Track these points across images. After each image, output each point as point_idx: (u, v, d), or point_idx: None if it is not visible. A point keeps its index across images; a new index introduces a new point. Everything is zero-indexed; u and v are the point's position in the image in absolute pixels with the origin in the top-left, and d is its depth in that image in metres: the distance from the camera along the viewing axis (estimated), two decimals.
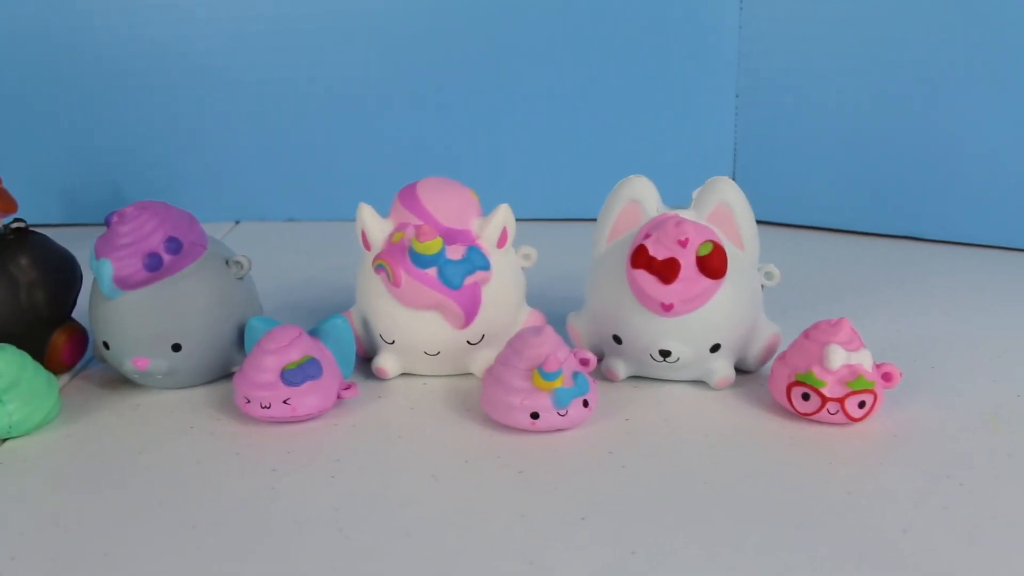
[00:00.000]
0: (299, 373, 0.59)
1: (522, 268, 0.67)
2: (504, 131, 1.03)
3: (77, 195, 1.08)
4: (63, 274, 0.68)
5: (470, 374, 0.67)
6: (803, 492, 0.53)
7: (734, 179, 0.98)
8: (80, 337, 0.69)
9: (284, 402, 0.59)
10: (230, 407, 0.63)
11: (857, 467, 0.55)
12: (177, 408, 0.64)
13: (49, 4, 1.01)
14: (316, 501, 0.52)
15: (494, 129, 1.03)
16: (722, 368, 0.64)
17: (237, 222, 1.07)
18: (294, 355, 0.60)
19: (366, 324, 0.66)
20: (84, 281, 0.70)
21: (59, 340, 0.68)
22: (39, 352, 0.66)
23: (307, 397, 0.59)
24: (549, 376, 0.57)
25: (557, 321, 0.68)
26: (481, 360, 0.65)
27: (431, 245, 0.60)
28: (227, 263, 0.65)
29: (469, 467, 0.55)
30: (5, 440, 0.60)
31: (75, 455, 0.59)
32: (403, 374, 0.67)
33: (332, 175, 1.06)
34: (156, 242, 0.62)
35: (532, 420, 0.57)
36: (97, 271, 0.62)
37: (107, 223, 0.63)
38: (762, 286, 0.65)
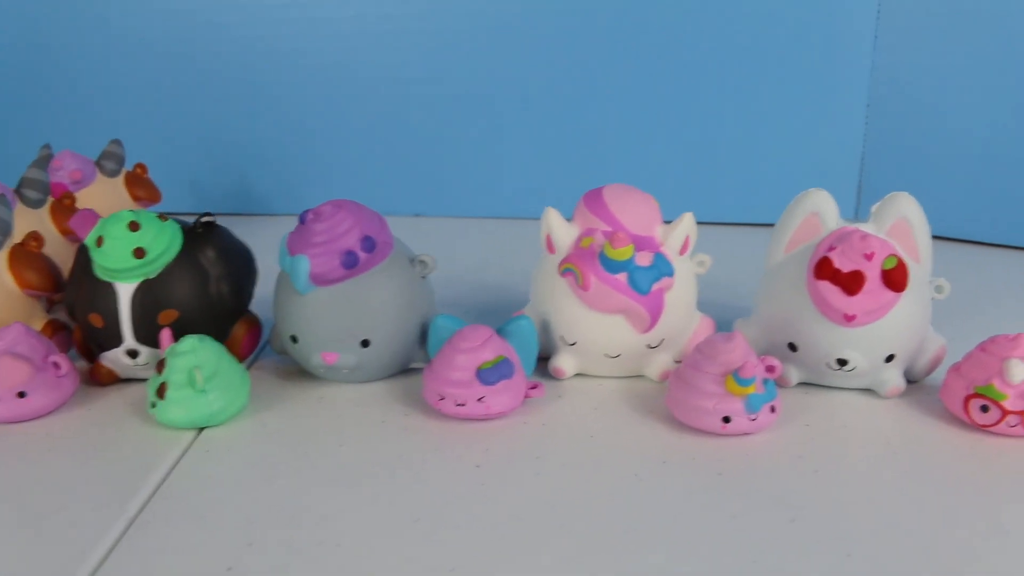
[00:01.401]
0: (494, 372, 0.61)
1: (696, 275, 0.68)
2: (641, 134, 1.05)
3: (205, 186, 1.10)
4: (245, 267, 0.70)
5: (642, 376, 0.68)
6: (993, 500, 0.54)
7: (860, 187, 0.99)
8: (257, 329, 0.71)
9: (479, 400, 0.61)
10: (415, 402, 0.65)
11: None
12: (362, 402, 0.65)
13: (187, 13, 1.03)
14: (528, 497, 0.54)
15: (631, 131, 1.05)
16: (894, 378, 0.65)
17: None
18: (488, 355, 0.61)
19: (544, 325, 0.67)
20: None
21: (239, 331, 0.70)
22: (220, 342, 0.68)
23: (501, 396, 0.61)
24: (744, 382, 0.58)
25: (721, 327, 0.70)
26: (657, 364, 0.67)
27: (624, 251, 0.62)
28: (412, 262, 0.66)
29: (668, 467, 0.57)
30: (203, 429, 0.62)
31: (276, 446, 0.61)
32: (578, 375, 0.68)
33: (458, 172, 1.07)
34: (353, 240, 0.64)
35: (723, 423, 0.59)
36: (292, 267, 0.63)
37: (302, 220, 0.65)
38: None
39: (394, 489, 0.55)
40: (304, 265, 0.63)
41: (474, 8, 1.03)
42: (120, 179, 0.94)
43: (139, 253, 0.64)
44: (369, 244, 0.64)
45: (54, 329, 0.72)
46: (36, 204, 0.81)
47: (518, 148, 1.06)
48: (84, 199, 0.89)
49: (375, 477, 0.56)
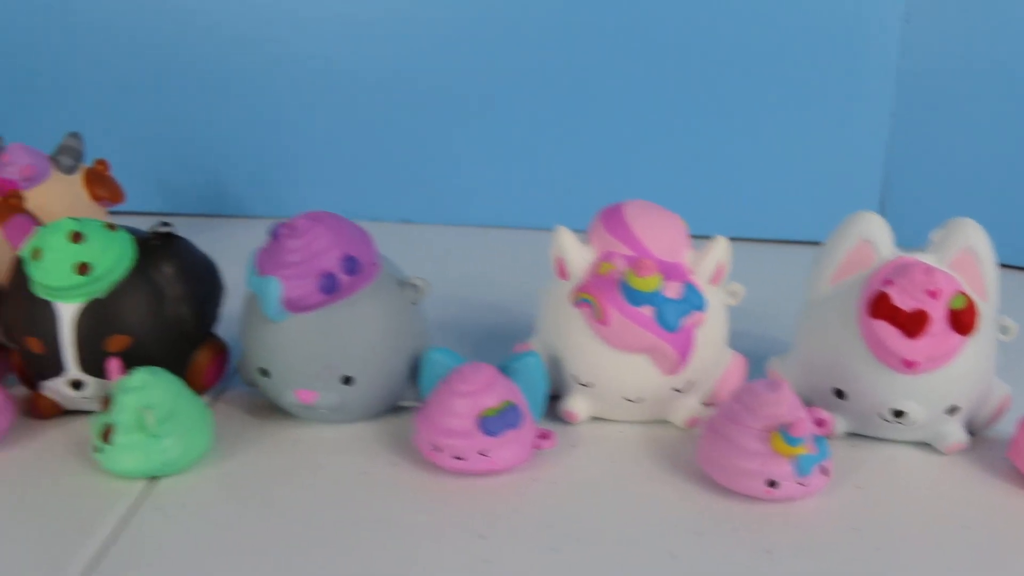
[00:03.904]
0: (499, 421, 0.52)
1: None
2: (651, 140, 0.97)
3: (174, 185, 1.00)
4: (209, 285, 0.61)
5: (666, 422, 0.59)
6: None
7: (882, 203, 0.92)
8: (223, 356, 0.62)
9: (480, 453, 0.52)
10: (405, 448, 0.56)
11: None
12: (343, 447, 0.57)
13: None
14: None
15: (640, 137, 0.97)
16: (955, 432, 0.57)
17: None
18: (491, 400, 0.52)
19: (554, 360, 0.58)
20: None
21: (202, 359, 0.60)
22: (180, 372, 0.59)
23: (506, 448, 0.52)
24: (794, 441, 0.49)
25: (751, 364, 0.62)
26: (684, 409, 0.58)
27: (650, 281, 0.53)
28: (401, 285, 0.57)
29: (706, 541, 0.48)
30: (156, 479, 0.52)
31: (241, 502, 0.52)
32: (592, 418, 0.59)
33: (450, 175, 0.98)
34: (332, 260, 0.55)
35: (768, 488, 0.50)
36: (261, 289, 0.54)
37: (273, 235, 0.56)
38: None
39: (379, 561, 0.46)
40: (276, 288, 0.53)
41: (475, 2, 0.94)
42: (78, 177, 0.84)
43: (83, 269, 0.55)
44: (351, 265, 0.54)
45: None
46: None
47: (518, 150, 0.97)
48: (36, 198, 0.79)
49: (360, 550, 0.47)
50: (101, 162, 0.86)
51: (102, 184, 0.85)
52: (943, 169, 0.92)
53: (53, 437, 0.58)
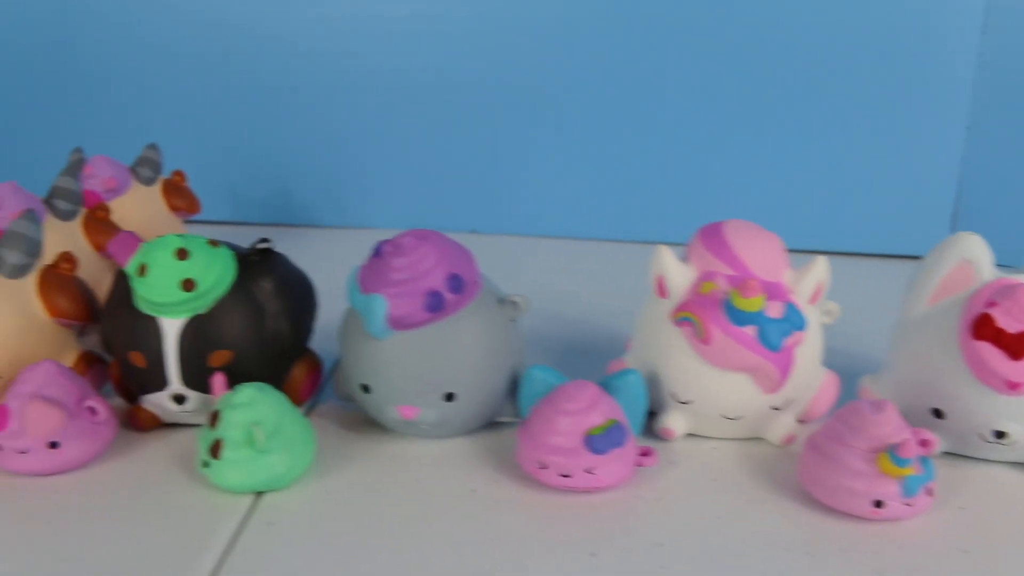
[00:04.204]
0: (605, 440, 0.52)
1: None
2: (727, 153, 0.96)
3: (244, 194, 1.01)
4: (305, 300, 0.62)
5: (759, 438, 0.59)
6: None
7: (955, 217, 0.91)
8: (318, 370, 0.62)
9: (587, 471, 0.52)
10: (506, 465, 0.57)
11: None
12: (444, 463, 0.57)
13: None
14: None
15: (716, 150, 0.96)
16: None
17: None
18: (597, 418, 0.53)
19: (651, 377, 0.58)
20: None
21: (298, 374, 0.61)
22: (277, 387, 0.59)
23: (612, 466, 0.53)
24: (902, 462, 0.49)
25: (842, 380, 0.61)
26: (780, 426, 0.58)
27: (755, 302, 0.53)
28: (501, 303, 0.58)
29: (817, 563, 0.48)
30: (261, 493, 0.53)
31: (348, 518, 0.52)
32: (688, 435, 0.60)
33: (521, 183, 0.98)
34: (438, 279, 0.55)
35: (874, 508, 0.50)
36: (366, 307, 0.55)
37: (377, 253, 0.56)
38: None
39: None
40: (381, 306, 0.54)
41: (546, 8, 0.94)
42: (157, 188, 0.85)
43: (188, 285, 0.56)
44: (456, 283, 0.55)
45: (88, 364, 0.63)
46: (67, 216, 0.73)
47: (592, 159, 0.97)
48: (117, 209, 0.80)
49: (467, 562, 0.48)
50: (178, 173, 0.87)
51: (179, 195, 0.86)
52: (1018, 183, 0.91)
53: (156, 450, 0.59)
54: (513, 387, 0.59)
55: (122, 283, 0.59)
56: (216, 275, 0.57)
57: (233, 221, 1.00)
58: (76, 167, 0.74)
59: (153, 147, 0.86)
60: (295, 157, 1.02)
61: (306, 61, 0.98)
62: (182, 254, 0.56)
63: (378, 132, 1.00)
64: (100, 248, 0.74)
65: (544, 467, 0.53)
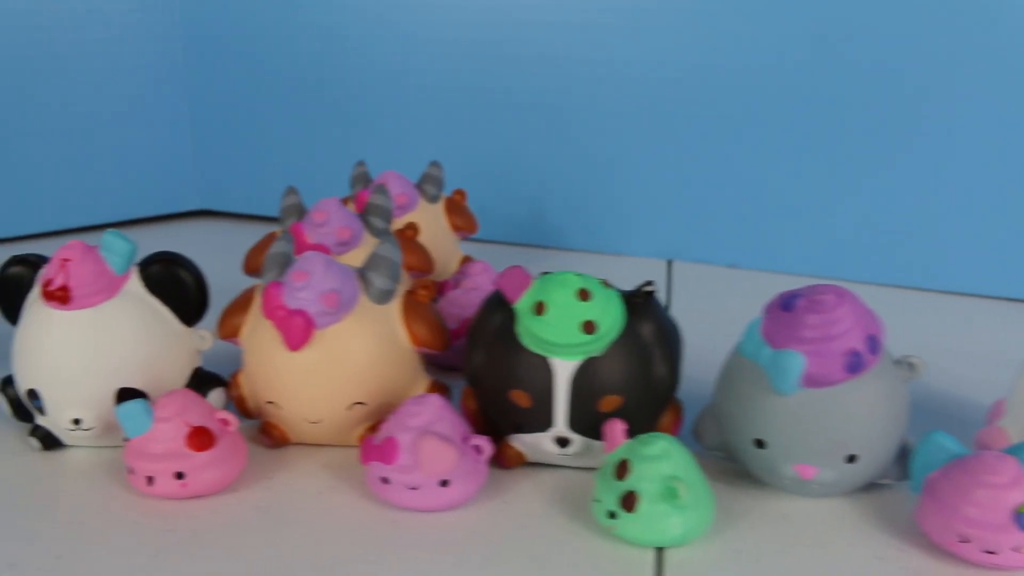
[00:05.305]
0: None
1: None
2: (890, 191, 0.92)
3: (496, 213, 1.00)
4: (678, 344, 0.61)
5: None
6: None
7: None
8: (681, 416, 0.61)
9: (1014, 550, 0.51)
10: (901, 531, 0.56)
11: None
12: (838, 525, 0.56)
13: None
14: None
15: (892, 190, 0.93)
16: None
17: (670, 262, 0.98)
18: (1020, 495, 0.51)
19: None
20: None
21: (667, 419, 0.60)
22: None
23: None
24: None
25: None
26: None
27: None
28: (896, 363, 0.56)
29: None
30: (662, 549, 0.52)
31: None
32: None
33: (780, 220, 0.96)
34: (858, 338, 0.54)
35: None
36: (778, 363, 0.54)
37: (786, 306, 0.55)
38: None
39: None
40: (798, 364, 0.52)
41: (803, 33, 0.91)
42: (440, 206, 0.85)
43: (589, 328, 0.55)
44: (874, 345, 0.54)
45: (438, 392, 0.62)
46: (381, 234, 0.72)
47: (863, 197, 0.93)
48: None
49: None
50: (460, 192, 0.87)
51: (460, 214, 0.85)
52: None
53: (525, 489, 0.59)
54: (902, 450, 0.57)
55: (497, 315, 0.58)
56: (612, 317, 0.56)
57: (482, 240, 0.99)
58: (383, 186, 0.75)
59: (436, 164, 0.85)
60: (548, 178, 1.00)
61: (565, 84, 0.97)
62: (584, 295, 0.55)
63: (633, 156, 0.98)
64: (411, 268, 0.73)
65: (965, 540, 0.51)
